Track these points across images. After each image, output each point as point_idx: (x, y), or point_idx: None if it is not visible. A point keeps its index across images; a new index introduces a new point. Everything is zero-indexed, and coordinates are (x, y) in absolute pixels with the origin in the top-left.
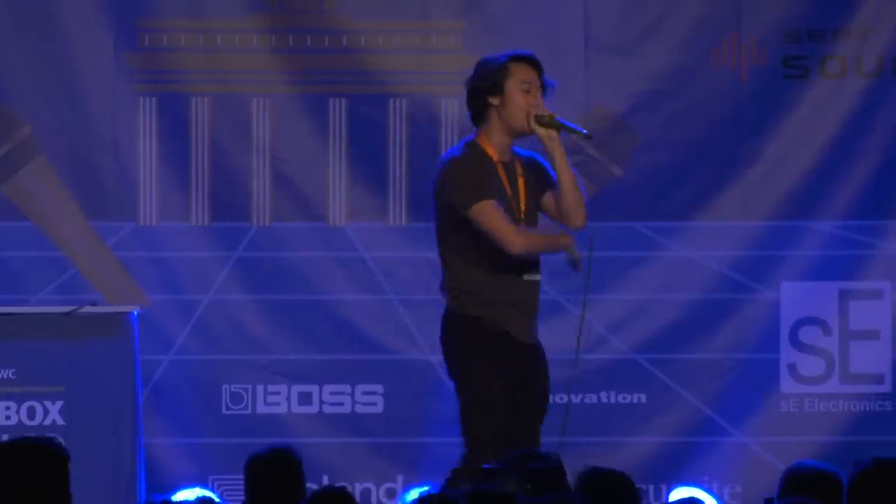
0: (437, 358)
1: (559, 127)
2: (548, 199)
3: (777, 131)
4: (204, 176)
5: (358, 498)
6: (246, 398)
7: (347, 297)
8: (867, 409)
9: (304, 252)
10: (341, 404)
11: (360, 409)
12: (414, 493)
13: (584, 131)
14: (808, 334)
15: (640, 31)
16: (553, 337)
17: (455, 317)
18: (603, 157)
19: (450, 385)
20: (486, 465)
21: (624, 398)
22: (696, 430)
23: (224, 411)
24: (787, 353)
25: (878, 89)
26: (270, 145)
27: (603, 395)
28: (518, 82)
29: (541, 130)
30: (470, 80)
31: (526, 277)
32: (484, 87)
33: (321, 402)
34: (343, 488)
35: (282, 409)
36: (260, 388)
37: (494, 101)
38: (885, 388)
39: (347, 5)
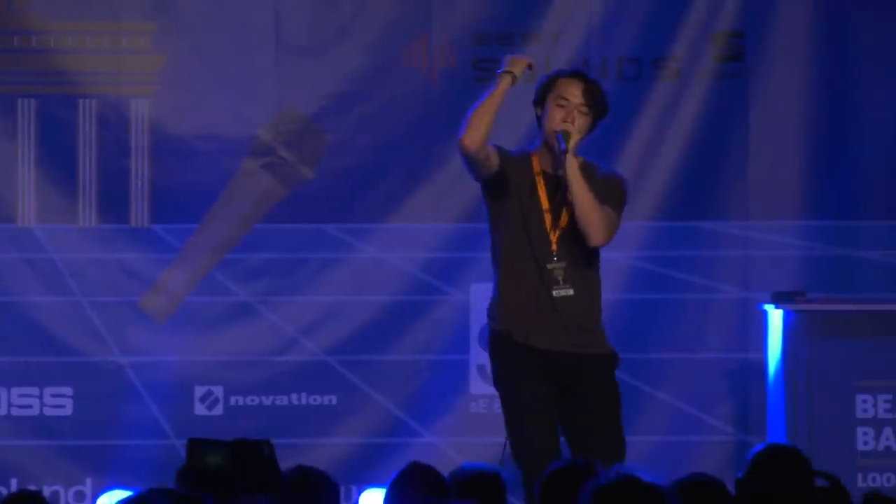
0: (127, 360)
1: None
2: None
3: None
4: None
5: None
6: None
7: (36, 298)
8: None
9: None
10: (30, 406)
11: (48, 411)
12: (110, 497)
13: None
14: None
15: (330, 33)
16: (244, 339)
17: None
18: (293, 158)
19: (140, 387)
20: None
21: (315, 400)
22: (387, 431)
23: None
24: (476, 354)
25: None
26: None
27: (294, 396)
28: (556, 97)
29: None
30: None
31: (555, 293)
32: (535, 97)
33: (9, 405)
34: (38, 492)
35: None
36: None
37: (538, 111)
38: None
39: (36, 5)
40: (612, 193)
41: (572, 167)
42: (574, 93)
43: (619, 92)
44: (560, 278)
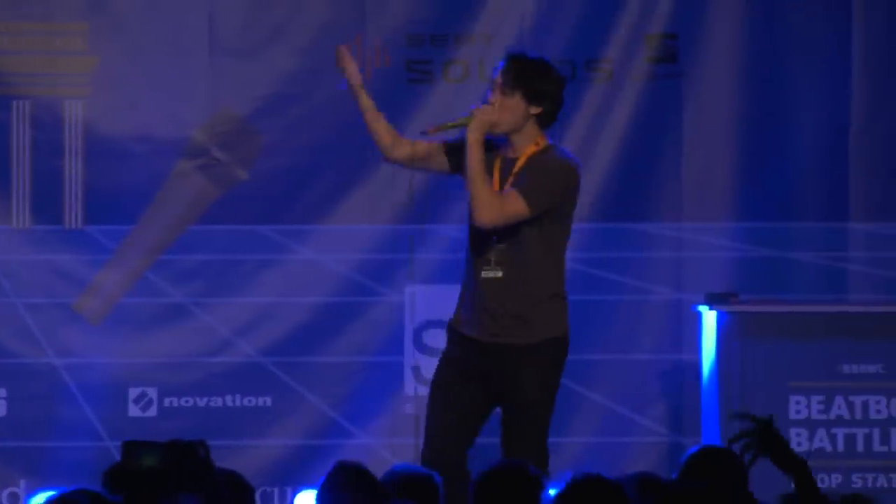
0: (61, 361)
1: (452, 127)
2: None
3: (400, 134)
4: None
5: None
6: None
7: None
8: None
9: None
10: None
11: None
12: (39, 498)
13: (464, 114)
14: (433, 337)
15: (265, 34)
16: (179, 341)
17: None
18: (228, 159)
19: (74, 388)
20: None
21: (249, 401)
22: (321, 432)
23: None
24: (411, 356)
25: None
26: None
27: (228, 398)
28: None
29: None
30: None
31: (483, 274)
32: None
33: None
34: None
35: None
36: None
37: None
38: None
39: None
40: (533, 176)
41: (470, 143)
42: (499, 72)
43: None
44: (492, 260)
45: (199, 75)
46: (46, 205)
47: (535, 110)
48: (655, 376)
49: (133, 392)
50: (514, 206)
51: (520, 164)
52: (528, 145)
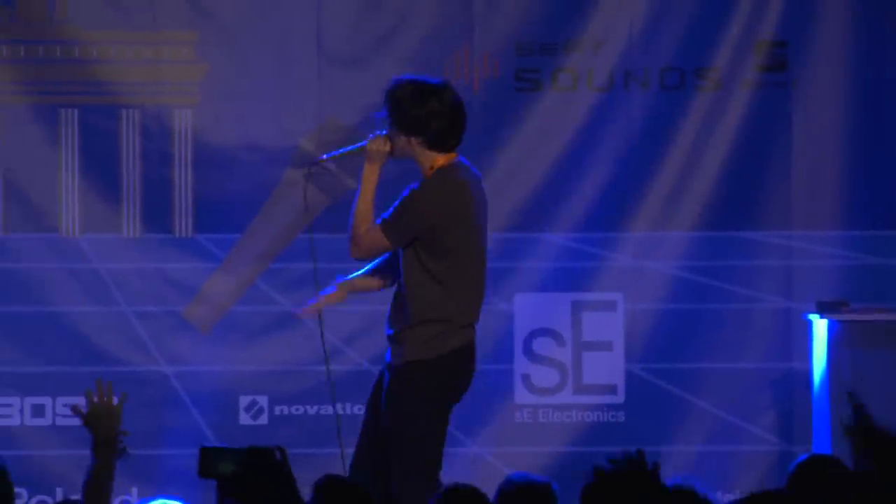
0: (172, 369)
1: (346, 156)
2: None
3: (509, 143)
4: None
5: None
6: None
7: (81, 308)
8: (600, 419)
9: (36, 264)
10: (75, 416)
11: None
12: None
13: (361, 143)
14: (542, 345)
15: (372, 43)
16: (288, 349)
17: None
18: (338, 169)
19: (184, 396)
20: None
21: (360, 409)
22: None
23: None
24: (520, 364)
25: (608, 103)
26: (1, 156)
27: (339, 406)
28: None
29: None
30: None
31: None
32: None
33: (54, 415)
34: (79, 501)
35: (14, 422)
36: None
37: None
38: (618, 398)
39: (78, 16)
40: (397, 209)
41: (365, 174)
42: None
43: (662, 101)
44: (396, 283)
45: (306, 84)
46: (156, 213)
47: (416, 140)
48: (765, 385)
49: (244, 400)
50: (376, 240)
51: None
52: (427, 171)
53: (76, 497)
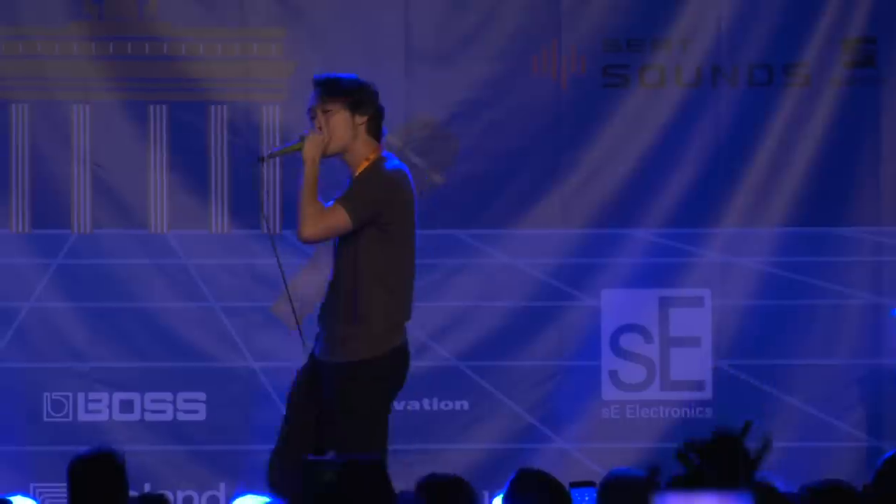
0: (259, 365)
1: (285, 153)
2: None
3: (596, 140)
4: (24, 183)
5: None
6: (67, 406)
7: (169, 304)
8: (687, 415)
9: (125, 259)
10: (163, 412)
11: (182, 416)
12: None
13: (295, 140)
14: (629, 341)
15: (459, 40)
16: None
17: None
18: (425, 165)
19: (272, 392)
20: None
21: (446, 405)
22: (518, 436)
23: (45, 419)
24: (608, 360)
25: (696, 99)
26: (91, 152)
27: (425, 402)
28: (308, 109)
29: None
30: None
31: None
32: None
33: (143, 410)
34: (162, 495)
35: (103, 417)
36: (81, 395)
37: None
38: (706, 394)
39: (168, 13)
40: (353, 186)
41: (306, 162)
42: (314, 97)
43: (750, 98)
44: (330, 283)
45: (394, 81)
46: (244, 209)
47: (360, 119)
48: (854, 381)
49: None
50: (335, 216)
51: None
52: (361, 162)
53: (167, 492)
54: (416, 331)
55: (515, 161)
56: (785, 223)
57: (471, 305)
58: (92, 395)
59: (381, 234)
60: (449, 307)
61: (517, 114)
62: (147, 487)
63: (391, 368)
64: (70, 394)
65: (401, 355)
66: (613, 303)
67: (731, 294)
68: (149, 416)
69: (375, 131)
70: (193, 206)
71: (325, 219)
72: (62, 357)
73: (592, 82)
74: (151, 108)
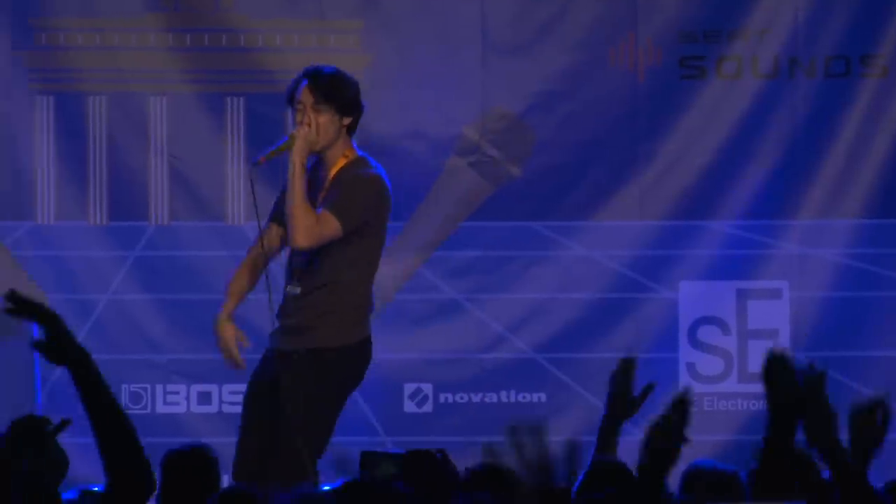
0: None
1: (276, 154)
2: None
3: (673, 131)
4: (101, 175)
5: None
6: (145, 398)
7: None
8: (765, 408)
9: (202, 251)
10: (240, 404)
11: None
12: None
13: (283, 140)
14: (707, 333)
15: (536, 31)
16: (453, 337)
17: None
18: (502, 157)
19: None
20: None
21: (524, 397)
22: (595, 428)
23: None
24: (685, 353)
25: (773, 90)
26: (168, 144)
27: (503, 394)
28: (294, 101)
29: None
30: None
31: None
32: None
33: (221, 402)
34: (250, 489)
35: (181, 409)
36: (159, 387)
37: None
38: None
39: (244, 4)
40: (343, 193)
41: (292, 170)
42: (304, 92)
43: (827, 89)
44: (295, 277)
45: (471, 73)
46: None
47: (346, 121)
48: None
49: (408, 388)
50: (329, 227)
51: (330, 178)
52: (338, 159)
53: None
54: (492, 323)
55: (592, 153)
56: (862, 215)
57: (548, 297)
58: (170, 388)
59: (365, 227)
60: (526, 299)
61: (594, 106)
62: (225, 480)
63: (359, 357)
64: (148, 386)
65: (368, 345)
66: (691, 295)
67: (809, 286)
68: (227, 408)
69: (354, 129)
70: (270, 198)
71: (320, 229)
72: (140, 349)
73: (669, 74)
74: (228, 99)
